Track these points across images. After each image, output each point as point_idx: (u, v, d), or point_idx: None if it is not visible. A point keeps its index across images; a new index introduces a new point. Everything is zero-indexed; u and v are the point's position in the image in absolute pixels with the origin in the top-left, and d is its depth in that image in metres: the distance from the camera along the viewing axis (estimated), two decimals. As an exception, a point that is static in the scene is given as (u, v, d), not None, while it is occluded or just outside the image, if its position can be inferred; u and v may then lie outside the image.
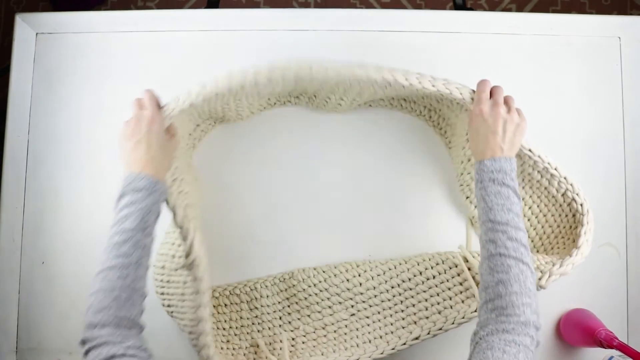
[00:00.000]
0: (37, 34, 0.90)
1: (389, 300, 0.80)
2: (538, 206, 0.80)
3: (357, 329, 0.80)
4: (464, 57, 0.87)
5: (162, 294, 0.78)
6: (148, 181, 0.64)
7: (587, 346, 0.80)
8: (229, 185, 0.86)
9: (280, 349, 0.80)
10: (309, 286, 0.81)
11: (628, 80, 0.87)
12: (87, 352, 0.57)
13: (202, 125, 0.85)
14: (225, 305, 0.82)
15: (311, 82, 0.71)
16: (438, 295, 0.78)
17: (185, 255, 0.71)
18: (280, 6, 1.59)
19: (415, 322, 0.78)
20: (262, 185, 0.86)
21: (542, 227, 0.81)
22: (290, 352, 0.80)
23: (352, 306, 0.81)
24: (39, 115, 0.89)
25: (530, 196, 0.80)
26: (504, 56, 0.87)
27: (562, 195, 0.76)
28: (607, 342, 0.73)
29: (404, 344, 0.77)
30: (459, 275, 0.77)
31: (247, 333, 0.81)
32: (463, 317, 0.75)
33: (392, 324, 0.79)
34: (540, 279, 0.72)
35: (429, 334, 0.76)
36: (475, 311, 0.75)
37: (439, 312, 0.77)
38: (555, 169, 0.75)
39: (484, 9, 1.58)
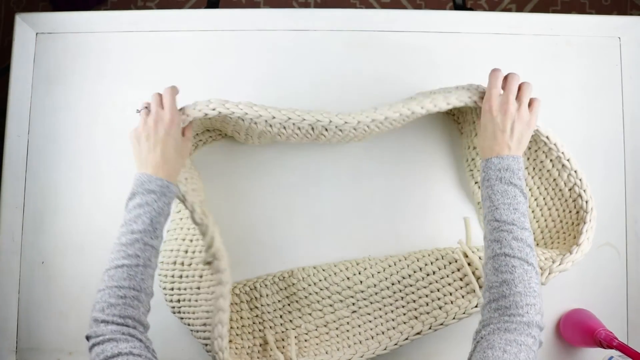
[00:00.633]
0: (37, 34, 0.90)
1: (389, 297, 0.80)
2: (544, 199, 0.80)
3: (359, 326, 0.81)
4: (464, 57, 0.87)
5: (172, 289, 0.79)
6: (161, 184, 0.65)
7: (587, 346, 0.80)
8: (229, 185, 0.86)
9: (283, 347, 0.80)
10: (309, 285, 0.81)
11: (628, 80, 0.87)
12: (91, 348, 0.58)
13: (212, 132, 0.86)
14: (226, 305, 0.83)
15: (332, 136, 0.76)
16: (438, 290, 0.78)
17: (206, 249, 0.73)
18: (280, 6, 1.59)
19: (416, 318, 0.78)
20: (261, 185, 0.86)
21: (545, 220, 0.81)
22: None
23: (353, 304, 0.81)
24: (39, 115, 0.89)
25: (539, 187, 0.80)
26: (504, 56, 0.87)
27: (570, 189, 0.77)
28: (607, 342, 0.73)
29: (406, 339, 0.78)
30: (458, 270, 0.78)
31: (249, 332, 0.81)
32: (464, 313, 0.76)
33: (393, 320, 0.80)
34: (540, 275, 0.72)
35: (430, 328, 0.77)
36: (476, 306, 0.76)
37: (440, 308, 0.77)
38: (568, 160, 0.76)
39: (484, 9, 1.58)
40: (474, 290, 0.76)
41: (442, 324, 0.76)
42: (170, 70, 0.88)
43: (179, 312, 0.79)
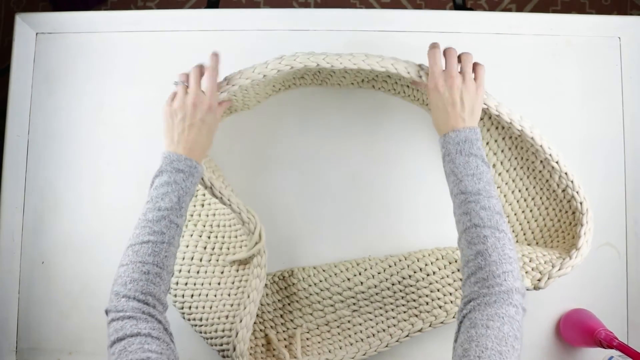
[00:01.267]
0: (37, 34, 0.90)
1: (390, 296, 0.80)
2: (541, 198, 0.80)
3: (360, 324, 0.81)
4: (464, 57, 0.87)
5: (186, 284, 0.80)
6: (190, 164, 0.65)
7: (587, 346, 0.80)
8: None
9: (285, 346, 0.80)
10: (310, 285, 0.81)
11: (628, 80, 0.87)
12: (110, 322, 0.57)
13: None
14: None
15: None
16: (439, 290, 0.78)
17: (252, 246, 0.77)
18: (280, 6, 1.59)
19: (416, 316, 0.79)
20: (261, 185, 0.86)
21: (544, 219, 0.81)
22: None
23: (354, 303, 0.81)
24: (39, 115, 0.89)
25: (534, 187, 0.80)
26: (504, 56, 0.87)
27: (563, 191, 0.77)
28: (607, 342, 0.73)
29: (407, 335, 0.79)
30: (458, 270, 0.78)
31: (251, 332, 0.81)
32: None
33: (394, 318, 0.80)
34: (539, 280, 0.72)
35: (430, 326, 0.78)
36: None
37: (440, 307, 0.78)
38: (557, 162, 0.75)
39: (484, 9, 1.58)
40: None
41: (442, 322, 0.77)
42: (170, 70, 0.87)
43: (189, 308, 0.80)
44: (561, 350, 0.83)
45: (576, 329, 0.80)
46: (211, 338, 0.77)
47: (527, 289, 0.72)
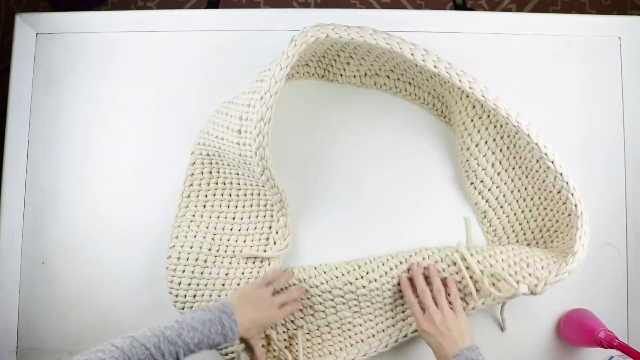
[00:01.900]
0: (37, 34, 0.90)
1: (390, 297, 0.80)
2: (539, 198, 0.80)
3: (360, 325, 0.81)
4: (464, 57, 0.86)
5: (189, 284, 0.80)
6: (232, 331, 0.68)
7: (587, 346, 0.80)
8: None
9: (286, 347, 0.80)
10: (311, 287, 0.81)
11: (628, 80, 0.87)
12: None
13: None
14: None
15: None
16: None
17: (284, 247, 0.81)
18: (280, 6, 1.59)
19: None
20: (262, 185, 0.86)
21: (543, 220, 0.81)
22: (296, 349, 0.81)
23: (355, 305, 0.81)
24: (39, 115, 0.89)
25: (533, 187, 0.80)
26: (504, 56, 0.87)
27: (559, 192, 0.76)
28: (607, 342, 0.73)
29: (405, 336, 0.79)
30: (457, 273, 0.78)
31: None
32: None
33: (393, 318, 0.81)
34: (536, 286, 0.72)
35: None
36: (473, 309, 0.77)
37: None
38: (552, 162, 0.73)
39: (484, 9, 1.58)
40: (471, 293, 0.76)
41: None
42: (170, 70, 0.88)
43: (191, 309, 0.80)
44: (561, 350, 0.83)
45: (576, 329, 0.80)
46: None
47: (524, 294, 0.72)
